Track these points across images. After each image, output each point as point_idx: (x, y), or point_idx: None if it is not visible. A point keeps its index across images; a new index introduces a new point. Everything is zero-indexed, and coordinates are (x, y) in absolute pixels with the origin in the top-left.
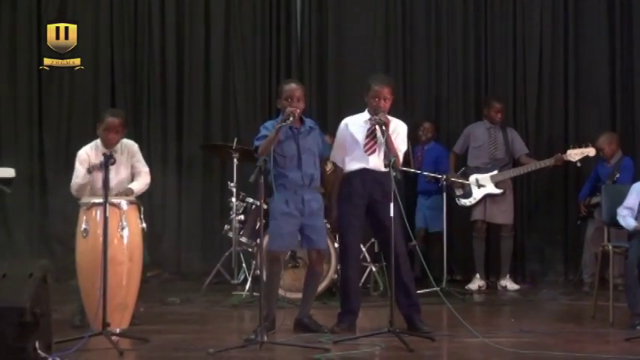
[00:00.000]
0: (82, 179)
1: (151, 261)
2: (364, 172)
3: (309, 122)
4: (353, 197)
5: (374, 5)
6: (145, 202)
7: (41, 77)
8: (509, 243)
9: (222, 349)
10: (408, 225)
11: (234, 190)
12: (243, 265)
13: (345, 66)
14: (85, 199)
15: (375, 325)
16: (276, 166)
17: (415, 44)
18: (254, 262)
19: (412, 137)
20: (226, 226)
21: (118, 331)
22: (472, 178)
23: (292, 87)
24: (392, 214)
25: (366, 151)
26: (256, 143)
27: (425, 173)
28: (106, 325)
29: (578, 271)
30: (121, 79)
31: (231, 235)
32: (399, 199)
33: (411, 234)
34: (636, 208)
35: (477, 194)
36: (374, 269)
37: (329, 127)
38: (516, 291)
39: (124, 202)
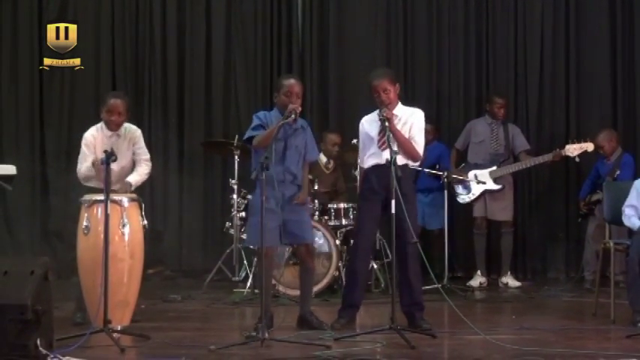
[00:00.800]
0: (87, 170)
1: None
2: (379, 167)
3: (300, 121)
4: (369, 193)
5: (375, 2)
6: (146, 199)
7: (42, 76)
8: (510, 239)
9: (224, 346)
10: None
11: (235, 187)
12: (245, 262)
13: (346, 63)
14: (86, 197)
15: (376, 322)
16: (258, 159)
17: (416, 41)
18: (255, 259)
19: None
20: (227, 224)
21: (119, 328)
22: (471, 174)
23: (292, 82)
24: (393, 211)
25: (379, 147)
26: (252, 133)
27: (426, 170)
28: (107, 322)
29: (579, 269)
30: (122, 78)
31: (232, 233)
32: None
33: (412, 231)
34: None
35: (476, 190)
36: (375, 266)
37: (330, 124)
38: (517, 288)
39: (125, 199)
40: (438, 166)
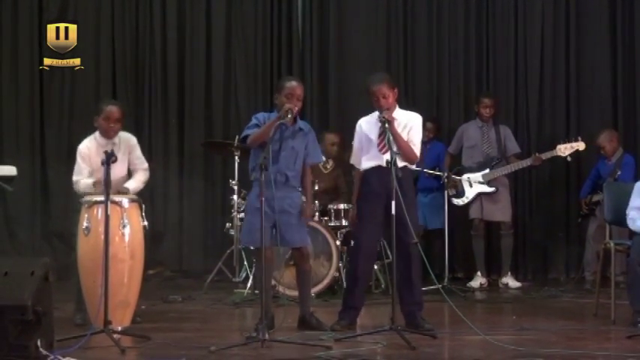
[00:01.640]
0: (85, 187)
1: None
2: (380, 169)
3: (301, 124)
4: (370, 196)
5: (375, 3)
6: (146, 200)
7: (43, 76)
8: (510, 240)
9: (224, 346)
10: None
11: (235, 187)
12: (245, 263)
13: (346, 64)
14: (86, 197)
15: (376, 323)
16: (255, 159)
17: (416, 42)
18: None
19: None
20: (228, 224)
21: (119, 328)
22: (464, 177)
23: (293, 85)
24: (393, 212)
25: (380, 150)
26: (247, 132)
27: (425, 170)
28: (107, 322)
29: (580, 269)
30: (122, 78)
31: (232, 233)
32: (413, 196)
33: (412, 232)
34: None
35: (470, 193)
36: (376, 267)
37: (330, 124)
38: (518, 288)
39: (125, 200)
40: (437, 167)
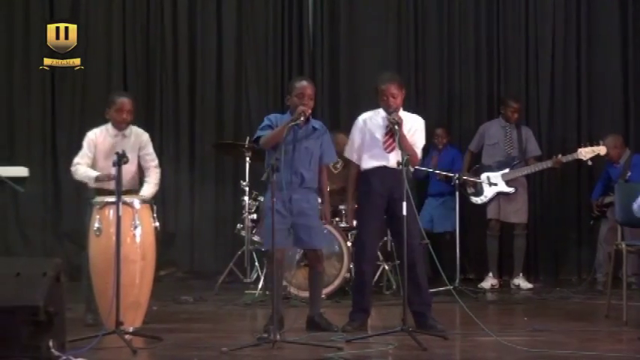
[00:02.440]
0: (84, 177)
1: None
2: (383, 170)
3: (314, 123)
4: (371, 196)
5: (386, 3)
6: (157, 201)
7: (54, 77)
8: (523, 241)
9: (236, 347)
10: (420, 224)
11: (246, 189)
12: (256, 264)
13: (357, 63)
14: (98, 198)
15: (387, 324)
16: (270, 161)
17: (427, 43)
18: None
19: (427, 142)
20: (239, 225)
21: (131, 329)
22: (483, 176)
23: (304, 85)
24: (405, 212)
25: (385, 149)
26: (259, 133)
27: (437, 171)
28: (119, 323)
29: (591, 270)
30: (133, 78)
31: (243, 234)
32: (412, 198)
33: (423, 233)
34: None
35: (489, 192)
36: (386, 268)
37: (341, 124)
38: (529, 290)
39: (136, 201)
40: (450, 171)
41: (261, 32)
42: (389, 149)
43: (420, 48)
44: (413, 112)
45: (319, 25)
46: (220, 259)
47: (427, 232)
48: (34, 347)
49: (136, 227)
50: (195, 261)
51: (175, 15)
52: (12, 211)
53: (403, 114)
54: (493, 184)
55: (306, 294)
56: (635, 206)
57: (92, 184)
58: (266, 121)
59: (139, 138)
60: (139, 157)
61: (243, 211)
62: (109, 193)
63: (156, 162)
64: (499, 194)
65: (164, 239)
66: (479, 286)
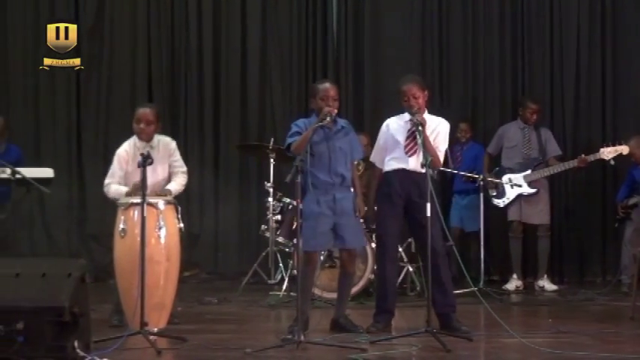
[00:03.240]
0: (116, 194)
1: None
2: (403, 172)
3: (341, 122)
4: (392, 197)
5: (410, 4)
6: (182, 202)
7: (79, 80)
8: (546, 243)
9: (260, 348)
10: (444, 225)
11: (270, 190)
12: (280, 265)
13: (381, 65)
14: (123, 199)
15: (411, 325)
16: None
17: (451, 44)
18: (291, 262)
19: (450, 138)
20: (263, 226)
21: (155, 330)
22: (505, 178)
23: (327, 86)
24: (428, 214)
25: (406, 152)
26: (289, 140)
27: (462, 173)
28: (143, 324)
29: (616, 272)
30: (158, 80)
31: (268, 235)
32: (436, 200)
33: (448, 234)
34: None
35: (511, 194)
36: (411, 269)
37: (365, 127)
38: (554, 291)
39: (161, 202)
40: (474, 170)
41: (286, 35)
42: (410, 153)
43: (444, 49)
44: (437, 113)
45: (343, 28)
46: (245, 260)
47: (459, 231)
48: (60, 347)
49: (160, 228)
50: (220, 262)
51: (200, 18)
52: (37, 212)
53: (428, 117)
54: (516, 185)
55: (330, 295)
56: None
57: (123, 198)
58: (295, 128)
59: (167, 147)
60: (168, 165)
61: (268, 212)
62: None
63: (184, 168)
64: (520, 196)
65: (188, 240)
66: (503, 287)
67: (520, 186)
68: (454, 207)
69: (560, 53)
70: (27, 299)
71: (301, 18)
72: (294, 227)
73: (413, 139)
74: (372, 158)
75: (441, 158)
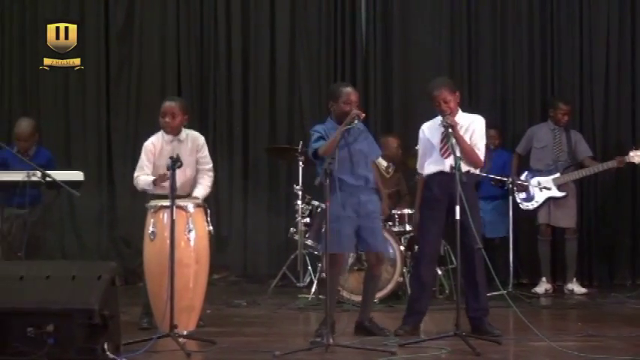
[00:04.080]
0: (145, 184)
1: (218, 263)
2: (442, 175)
3: (357, 123)
4: (431, 201)
5: (439, 8)
6: (211, 205)
7: (109, 82)
8: (574, 245)
9: (288, 351)
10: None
11: (299, 192)
12: (309, 267)
13: (410, 68)
14: (152, 202)
15: (440, 329)
16: (322, 166)
17: (480, 46)
18: (320, 264)
19: None
20: (292, 229)
21: (185, 333)
22: (534, 180)
23: (349, 91)
24: (457, 217)
25: (442, 155)
26: (314, 146)
27: (491, 176)
28: (173, 327)
29: None
30: (187, 82)
31: (296, 238)
32: (466, 203)
33: (477, 237)
34: None
35: (539, 197)
36: (439, 272)
37: (394, 128)
38: (583, 294)
39: (190, 205)
40: (502, 175)
41: (314, 36)
42: (445, 155)
43: (472, 51)
44: None
45: (372, 29)
46: (273, 263)
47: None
48: (90, 350)
49: (189, 231)
50: (249, 265)
51: (229, 20)
52: (68, 214)
53: (462, 115)
54: (545, 188)
55: (358, 298)
56: None
57: (153, 190)
58: (316, 134)
59: (195, 142)
60: (195, 160)
61: (296, 215)
62: (166, 198)
63: (210, 165)
64: (550, 199)
65: (217, 243)
66: (532, 290)
67: (549, 189)
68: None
69: (589, 53)
70: (57, 302)
71: (330, 20)
72: (323, 230)
73: (448, 141)
74: (418, 166)
75: (481, 156)
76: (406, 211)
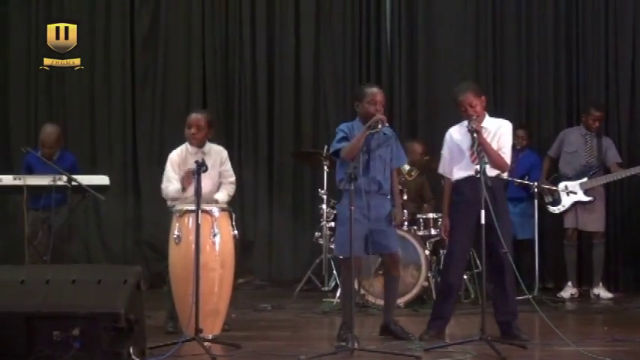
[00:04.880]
0: (175, 192)
1: (243, 268)
2: (473, 179)
3: (384, 129)
4: (462, 205)
5: (464, 11)
6: (236, 209)
7: (135, 88)
8: (601, 250)
9: (314, 355)
10: (499, 232)
11: (324, 197)
12: (334, 272)
13: (434, 73)
14: (177, 207)
15: (466, 333)
16: (342, 170)
17: (505, 50)
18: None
19: None
20: (317, 233)
21: (210, 337)
22: (561, 185)
23: (374, 91)
24: (482, 221)
25: (472, 160)
26: (337, 146)
27: (516, 180)
28: (198, 331)
29: None
30: (212, 88)
31: (321, 242)
32: (505, 206)
33: (503, 241)
34: None
35: (566, 202)
36: (465, 277)
37: (419, 133)
38: (610, 299)
39: (215, 209)
40: (527, 177)
41: (339, 41)
42: (475, 160)
43: (498, 55)
44: None
45: (397, 34)
46: (298, 267)
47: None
48: (115, 353)
49: (215, 235)
50: (274, 269)
51: (254, 26)
52: (93, 219)
53: (489, 120)
54: (572, 192)
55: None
56: None
57: (183, 198)
58: (340, 133)
59: (218, 155)
60: (218, 173)
61: (321, 220)
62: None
63: (233, 178)
64: (576, 203)
65: (243, 247)
66: (558, 295)
67: (575, 193)
68: None
69: (615, 57)
70: (83, 305)
71: (355, 25)
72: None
73: (475, 146)
74: (441, 170)
75: (508, 160)
76: (431, 215)
